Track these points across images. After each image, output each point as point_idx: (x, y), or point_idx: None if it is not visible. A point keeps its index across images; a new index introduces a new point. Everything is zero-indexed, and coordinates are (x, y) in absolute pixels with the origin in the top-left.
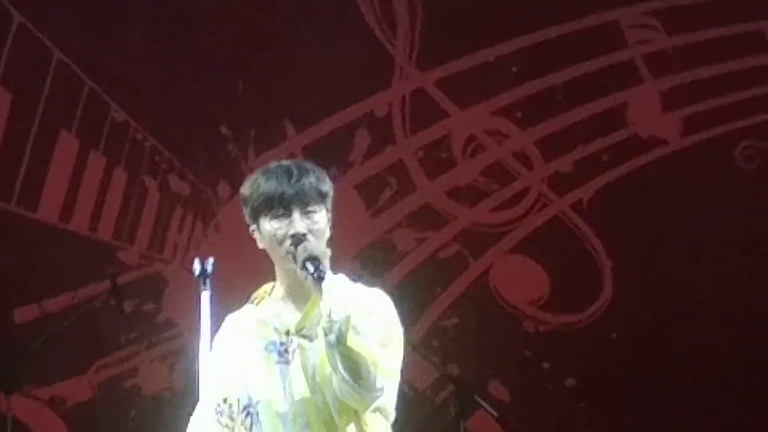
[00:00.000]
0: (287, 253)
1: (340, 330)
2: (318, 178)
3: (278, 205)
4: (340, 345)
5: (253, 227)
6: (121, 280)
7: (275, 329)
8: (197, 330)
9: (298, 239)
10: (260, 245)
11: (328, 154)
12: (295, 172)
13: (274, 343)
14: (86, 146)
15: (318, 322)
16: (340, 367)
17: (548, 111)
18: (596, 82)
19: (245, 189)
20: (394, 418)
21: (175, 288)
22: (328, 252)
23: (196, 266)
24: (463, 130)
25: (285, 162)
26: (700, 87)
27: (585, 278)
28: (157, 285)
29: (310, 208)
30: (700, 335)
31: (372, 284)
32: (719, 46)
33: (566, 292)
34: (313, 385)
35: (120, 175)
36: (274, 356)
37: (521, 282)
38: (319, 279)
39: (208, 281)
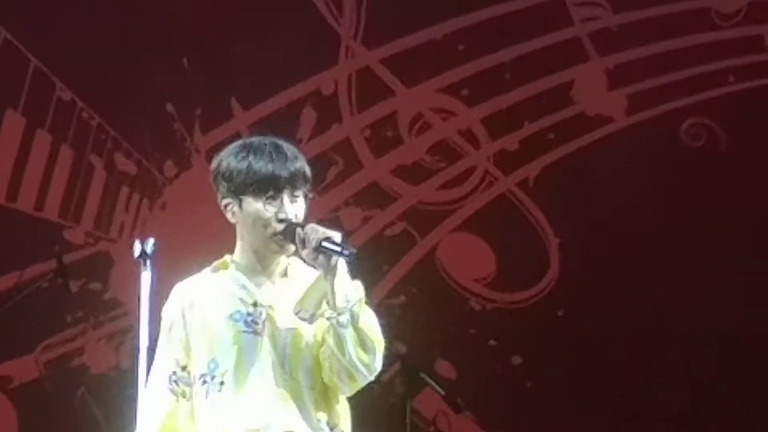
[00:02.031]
0: (273, 235)
1: (352, 311)
2: (303, 163)
3: (270, 187)
4: (352, 326)
5: (229, 201)
6: (68, 259)
7: (241, 299)
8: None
9: (292, 224)
10: (232, 220)
11: (275, 132)
12: (289, 154)
13: (240, 313)
14: (32, 125)
15: (317, 303)
16: (350, 348)
17: (494, 89)
18: (542, 60)
19: (228, 163)
20: None
21: (121, 267)
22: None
23: (136, 247)
24: (410, 108)
25: (271, 140)
26: (645, 65)
27: (532, 256)
28: (104, 264)
29: (296, 193)
30: (647, 312)
31: None
32: (665, 23)
33: (513, 270)
34: (283, 357)
35: (66, 154)
36: (241, 326)
37: (468, 260)
38: (351, 255)
39: (148, 262)
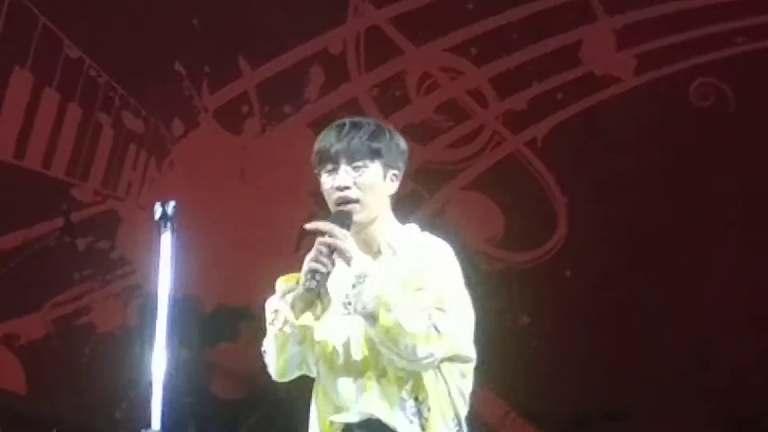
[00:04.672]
0: (337, 205)
1: (370, 311)
2: (371, 135)
3: (328, 159)
4: (372, 322)
5: (319, 178)
6: (75, 217)
7: (348, 279)
8: (152, 268)
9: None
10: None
11: (283, 91)
12: (347, 127)
13: (345, 293)
14: (40, 82)
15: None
16: (377, 340)
17: (503, 48)
18: (551, 19)
19: (315, 141)
20: (475, 361)
21: (128, 225)
22: (323, 269)
23: (157, 209)
24: (418, 67)
25: (348, 118)
26: (654, 25)
27: (540, 216)
28: (111, 222)
29: (358, 163)
30: (654, 273)
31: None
32: None
33: (521, 230)
34: (371, 335)
35: (74, 112)
36: (341, 307)
37: (476, 220)
38: (309, 290)
39: (169, 224)
